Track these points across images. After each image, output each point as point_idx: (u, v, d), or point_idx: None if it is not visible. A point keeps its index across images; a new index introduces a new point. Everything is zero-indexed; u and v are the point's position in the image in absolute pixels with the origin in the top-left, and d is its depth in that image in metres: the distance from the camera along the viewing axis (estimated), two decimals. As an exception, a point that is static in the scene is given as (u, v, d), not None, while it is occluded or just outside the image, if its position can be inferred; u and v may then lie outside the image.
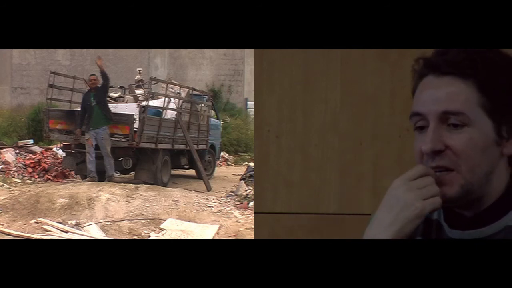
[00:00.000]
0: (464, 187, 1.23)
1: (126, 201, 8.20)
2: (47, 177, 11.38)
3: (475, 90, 1.23)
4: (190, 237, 7.09)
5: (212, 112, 13.92)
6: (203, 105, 12.98)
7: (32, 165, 11.65)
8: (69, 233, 7.04)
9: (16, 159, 11.91)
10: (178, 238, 7.11)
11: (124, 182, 9.79)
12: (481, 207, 1.27)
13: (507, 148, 1.25)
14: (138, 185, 9.30)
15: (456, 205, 1.27)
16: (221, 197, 9.55)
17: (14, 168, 11.47)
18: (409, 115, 1.29)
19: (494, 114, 1.23)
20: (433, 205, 1.20)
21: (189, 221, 7.72)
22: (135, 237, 7.09)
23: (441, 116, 1.23)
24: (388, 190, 1.25)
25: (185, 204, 8.34)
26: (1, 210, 7.88)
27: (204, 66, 22.56)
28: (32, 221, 7.43)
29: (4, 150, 12.30)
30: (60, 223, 7.40)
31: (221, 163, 15.82)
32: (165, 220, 7.66)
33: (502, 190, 1.27)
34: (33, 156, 12.12)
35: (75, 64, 21.34)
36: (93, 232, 7.15)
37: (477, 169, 1.23)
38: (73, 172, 11.45)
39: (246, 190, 9.61)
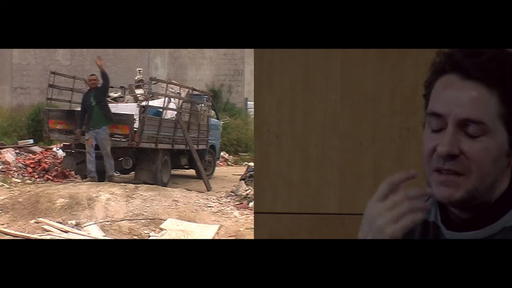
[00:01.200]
0: (470, 192, 1.23)
1: (126, 201, 8.20)
2: (47, 177, 11.38)
3: (497, 100, 1.22)
4: (190, 237, 7.09)
5: (212, 112, 13.92)
6: (203, 105, 12.98)
7: (32, 165, 11.65)
8: (69, 233, 7.04)
9: (16, 159, 11.91)
10: (178, 238, 7.11)
11: (124, 182, 9.79)
12: (480, 211, 1.27)
13: None
14: (138, 185, 9.30)
15: (457, 207, 1.28)
16: (221, 197, 9.55)
17: (14, 168, 11.47)
18: (427, 112, 1.28)
19: (510, 126, 1.23)
20: (403, 228, 1.20)
21: (189, 221, 7.71)
22: (135, 237, 7.09)
23: (461, 122, 1.22)
24: (364, 211, 1.25)
25: (185, 204, 8.34)
26: (1, 210, 7.88)
27: (204, 66, 22.55)
28: (32, 221, 7.43)
29: (4, 150, 12.30)
30: (60, 223, 7.40)
31: (221, 163, 15.81)
32: (165, 220, 7.66)
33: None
34: (33, 156, 12.12)
35: (75, 64, 21.33)
36: (93, 232, 7.15)
37: (486, 178, 1.23)
38: (73, 172, 11.45)
39: (246, 190, 9.61)
